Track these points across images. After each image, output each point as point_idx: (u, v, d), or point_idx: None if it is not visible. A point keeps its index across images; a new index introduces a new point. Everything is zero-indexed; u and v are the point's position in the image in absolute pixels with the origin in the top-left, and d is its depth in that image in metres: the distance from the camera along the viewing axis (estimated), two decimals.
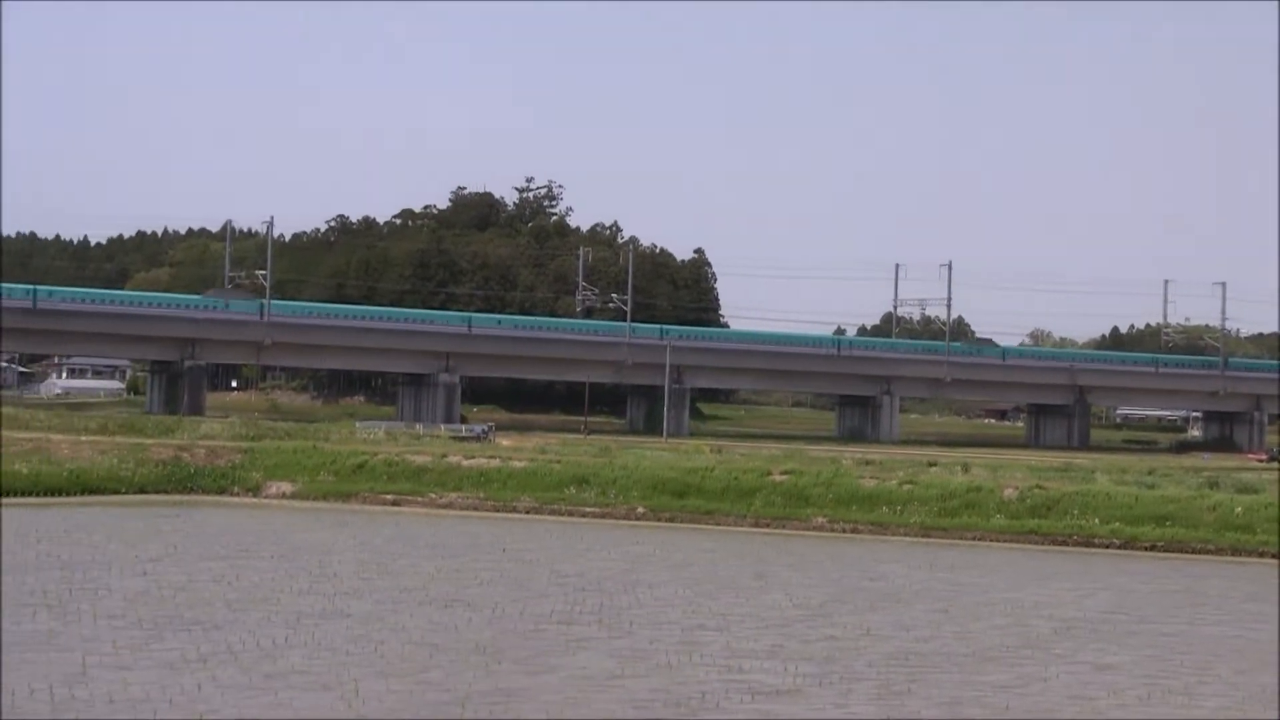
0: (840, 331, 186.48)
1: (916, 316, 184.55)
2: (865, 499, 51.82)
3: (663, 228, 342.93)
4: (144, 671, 21.02)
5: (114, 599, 27.31)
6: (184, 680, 20.33)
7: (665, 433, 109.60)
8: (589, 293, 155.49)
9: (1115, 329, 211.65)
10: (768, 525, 50.67)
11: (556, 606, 29.06)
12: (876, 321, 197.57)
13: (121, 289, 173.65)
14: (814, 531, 49.93)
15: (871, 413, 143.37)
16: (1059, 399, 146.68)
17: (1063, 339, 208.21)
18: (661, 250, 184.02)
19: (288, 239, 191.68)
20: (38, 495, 49.73)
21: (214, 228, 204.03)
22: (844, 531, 49.93)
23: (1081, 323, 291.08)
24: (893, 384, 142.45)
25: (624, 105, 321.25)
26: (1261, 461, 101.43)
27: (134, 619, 25.11)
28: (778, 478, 53.98)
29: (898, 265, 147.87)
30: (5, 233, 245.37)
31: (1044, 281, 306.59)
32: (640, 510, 52.21)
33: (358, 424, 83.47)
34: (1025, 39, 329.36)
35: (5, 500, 48.25)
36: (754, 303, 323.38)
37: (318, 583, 31.01)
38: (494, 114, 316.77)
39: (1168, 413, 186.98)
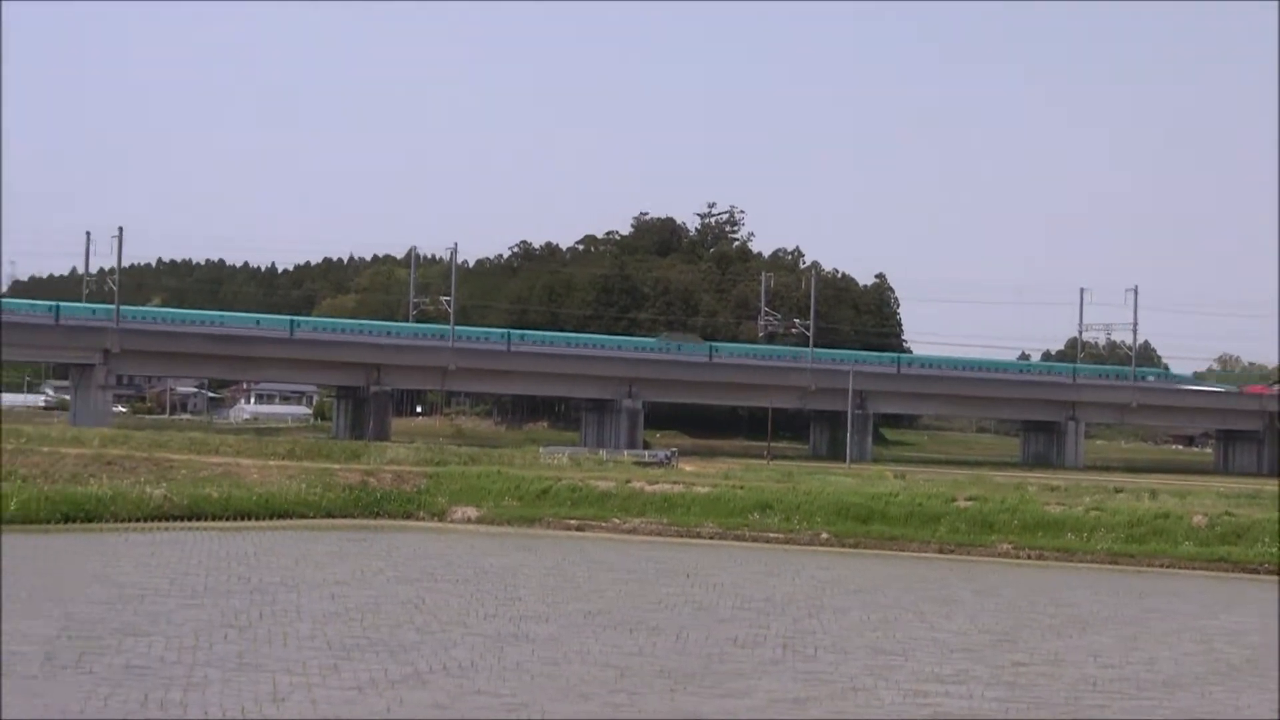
0: (1024, 356, 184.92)
1: (1102, 341, 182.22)
2: (1051, 525, 51.23)
3: (844, 253, 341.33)
4: (334, 692, 21.29)
5: (304, 621, 27.65)
6: (373, 702, 20.55)
7: (848, 458, 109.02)
8: (771, 318, 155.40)
9: None
10: (952, 551, 50.24)
11: (741, 631, 29.04)
12: (1061, 346, 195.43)
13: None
14: (999, 558, 49.43)
15: (1056, 438, 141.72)
16: (1249, 425, 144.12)
17: (1251, 364, 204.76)
18: (843, 275, 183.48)
19: (471, 265, 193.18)
20: (228, 519, 50.45)
21: (399, 254, 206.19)
22: (1029, 558, 49.39)
23: (1269, 347, 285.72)
24: (1078, 409, 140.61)
25: (807, 131, 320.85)
26: None
27: (323, 641, 25.41)
28: (962, 504, 53.52)
29: (1082, 290, 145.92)
30: (197, 260, 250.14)
31: (1229, 307, 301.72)
32: (824, 536, 52.00)
33: (542, 449, 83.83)
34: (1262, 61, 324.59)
35: (200, 524, 49.04)
36: (937, 327, 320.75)
37: (503, 606, 31.20)
38: (676, 140, 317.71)
39: None
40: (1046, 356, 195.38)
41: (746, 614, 31.87)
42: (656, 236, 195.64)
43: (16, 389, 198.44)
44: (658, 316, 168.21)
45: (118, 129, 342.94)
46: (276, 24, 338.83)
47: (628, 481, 57.80)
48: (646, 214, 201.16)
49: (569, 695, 21.77)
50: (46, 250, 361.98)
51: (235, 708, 19.79)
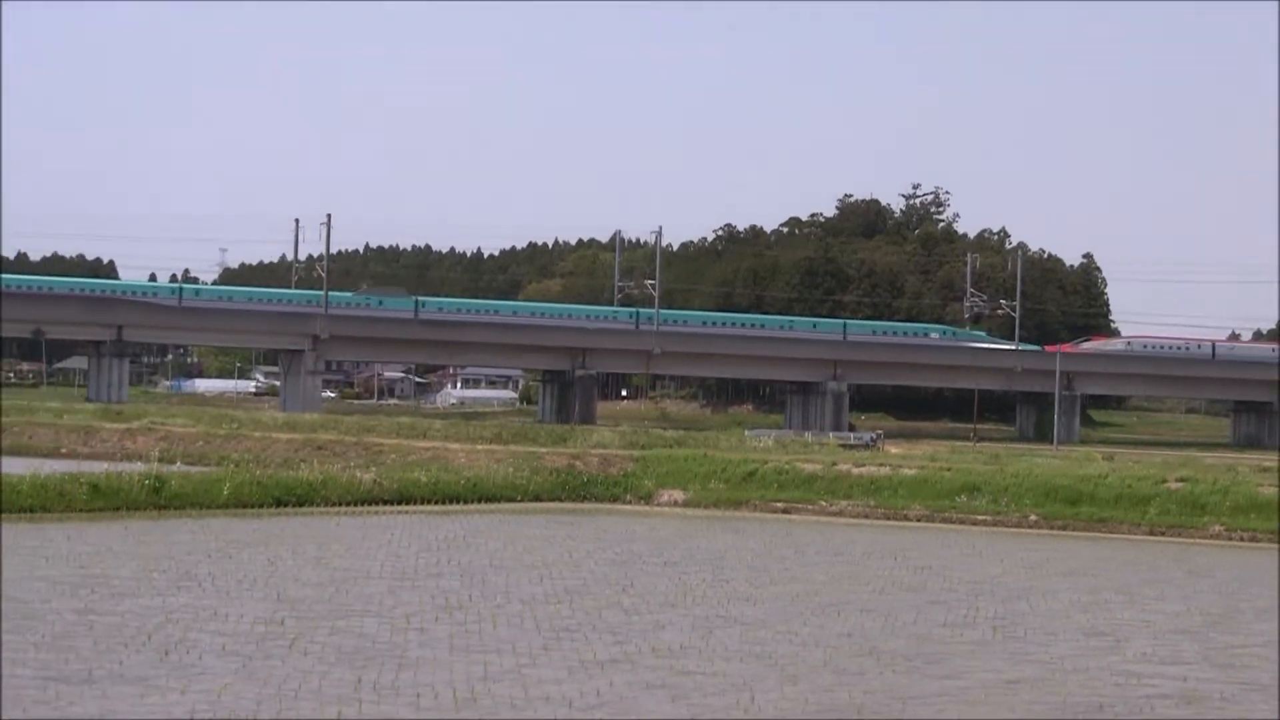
0: (1234, 337, 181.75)
1: None
2: (1264, 507, 50.25)
3: (1051, 232, 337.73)
4: (543, 671, 21.44)
5: (513, 603, 27.86)
6: (583, 684, 20.64)
7: (1055, 440, 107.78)
8: (977, 299, 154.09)
9: None
10: (1162, 533, 49.49)
11: (950, 613, 28.83)
12: (1273, 325, 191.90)
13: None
14: (1211, 540, 48.62)
15: (1268, 419, 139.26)
16: None
17: None
18: (1050, 255, 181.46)
19: (675, 248, 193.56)
20: (437, 503, 50.97)
21: (604, 238, 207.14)
22: (1242, 540, 48.55)
23: None
24: None
25: (1009, 110, 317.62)
26: None
27: (532, 623, 25.58)
28: (1173, 485, 52.70)
29: None
30: (403, 246, 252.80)
31: None
32: (1032, 518, 51.46)
33: (747, 432, 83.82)
34: None
35: (409, 508, 49.61)
36: (1146, 307, 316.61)
37: (712, 588, 31.22)
38: (881, 120, 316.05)
39: None
40: (1258, 336, 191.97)
41: (955, 596, 31.63)
42: (861, 218, 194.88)
43: (228, 375, 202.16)
44: (862, 299, 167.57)
45: (322, 115, 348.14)
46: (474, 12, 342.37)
47: (834, 464, 57.61)
48: (851, 195, 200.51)
49: (778, 677, 21.74)
50: (257, 237, 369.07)
51: (447, 689, 19.97)
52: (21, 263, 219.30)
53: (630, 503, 54.84)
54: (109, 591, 27.39)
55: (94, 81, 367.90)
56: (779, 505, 53.85)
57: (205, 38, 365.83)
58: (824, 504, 53.87)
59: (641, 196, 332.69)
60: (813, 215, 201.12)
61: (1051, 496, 52.62)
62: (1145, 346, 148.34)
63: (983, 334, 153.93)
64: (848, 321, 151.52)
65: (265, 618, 25.05)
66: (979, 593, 32.27)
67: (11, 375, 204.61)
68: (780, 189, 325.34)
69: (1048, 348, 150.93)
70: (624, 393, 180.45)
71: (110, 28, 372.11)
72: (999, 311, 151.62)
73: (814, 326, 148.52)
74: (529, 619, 26.08)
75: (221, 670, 20.62)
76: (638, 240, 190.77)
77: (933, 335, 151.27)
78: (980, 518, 51.69)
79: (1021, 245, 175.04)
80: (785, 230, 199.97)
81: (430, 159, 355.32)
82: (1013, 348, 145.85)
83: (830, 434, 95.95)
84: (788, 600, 29.94)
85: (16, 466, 48.85)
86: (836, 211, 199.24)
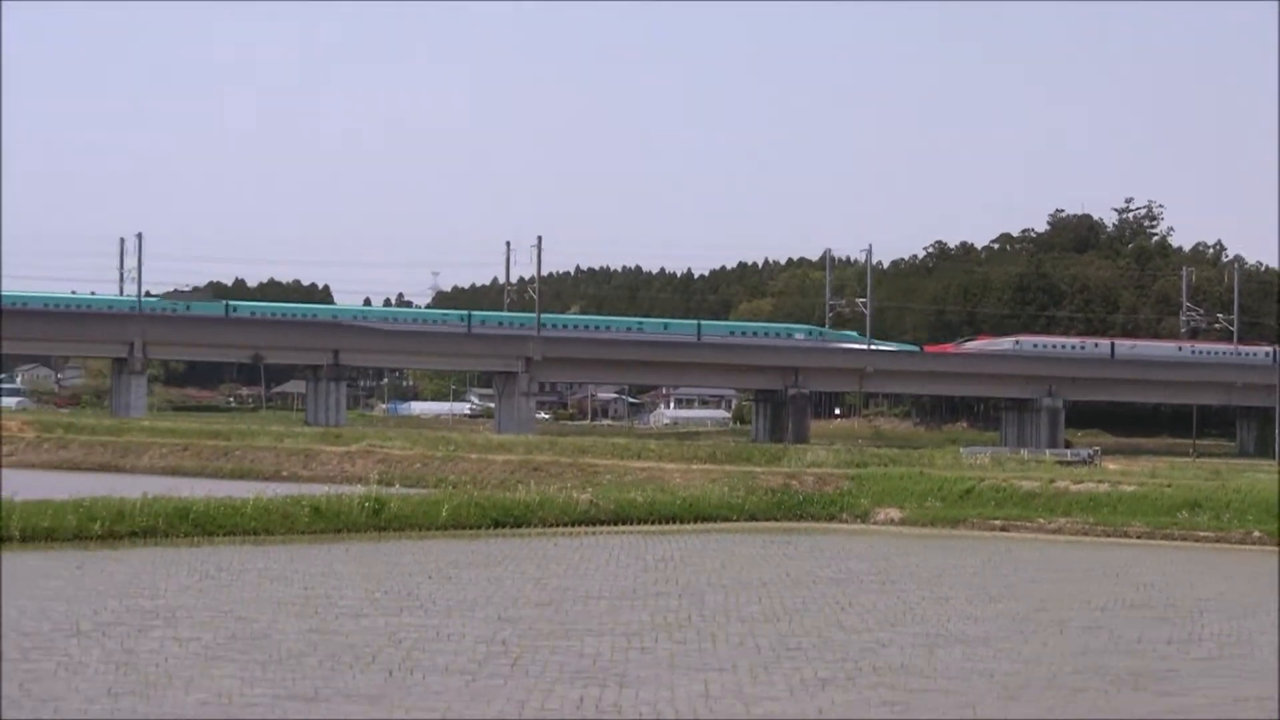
0: None
1: None
2: None
3: (1270, 245, 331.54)
4: (766, 689, 21.43)
5: (732, 623, 27.86)
6: (804, 703, 20.60)
7: (1278, 455, 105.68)
8: (1193, 314, 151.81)
9: None
10: None
11: (1175, 631, 28.38)
12: None
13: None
14: None
15: None
16: None
17: None
18: (1268, 269, 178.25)
19: (886, 266, 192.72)
20: (653, 523, 51.10)
21: (814, 257, 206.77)
22: None
23: None
24: None
25: (1223, 120, 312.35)
26: None
27: (752, 643, 25.56)
28: None
29: None
30: (614, 267, 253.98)
31: None
32: (1256, 534, 50.44)
33: (962, 450, 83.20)
34: None
35: (625, 528, 49.79)
36: None
37: (932, 606, 31.01)
38: (1092, 134, 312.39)
39: None
40: None
41: (1179, 613, 31.13)
42: (1073, 233, 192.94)
43: (443, 397, 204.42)
44: (1075, 314, 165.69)
45: (536, 137, 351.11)
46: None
47: (1051, 481, 56.93)
48: (1062, 211, 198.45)
49: (1000, 695, 21.54)
50: (469, 260, 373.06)
51: (669, 708, 20.03)
52: (239, 289, 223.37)
53: (846, 521, 54.59)
54: (334, 612, 27.82)
55: (305, 107, 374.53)
56: (996, 523, 53.31)
57: (408, 54, 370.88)
58: (1042, 521, 53.23)
59: (852, 215, 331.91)
60: (1024, 231, 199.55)
61: (1274, 513, 51.56)
62: (1035, 346, 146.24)
63: (852, 334, 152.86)
64: (702, 322, 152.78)
65: (487, 637, 25.29)
66: (1204, 609, 31.74)
67: (232, 399, 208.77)
68: (991, 205, 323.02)
69: (926, 348, 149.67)
70: (837, 411, 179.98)
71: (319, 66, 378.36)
72: (1215, 326, 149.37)
73: (665, 328, 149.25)
74: (749, 638, 26.08)
75: (445, 689, 20.85)
76: (848, 258, 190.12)
77: (797, 336, 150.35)
78: (1202, 534, 50.78)
79: (1238, 258, 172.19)
80: (996, 246, 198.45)
81: (638, 181, 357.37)
82: (894, 349, 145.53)
83: (1046, 451, 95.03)
84: (1009, 618, 29.66)
85: (240, 490, 49.78)
86: (1048, 227, 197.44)
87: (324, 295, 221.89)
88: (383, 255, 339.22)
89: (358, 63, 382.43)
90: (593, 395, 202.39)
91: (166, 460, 76.46)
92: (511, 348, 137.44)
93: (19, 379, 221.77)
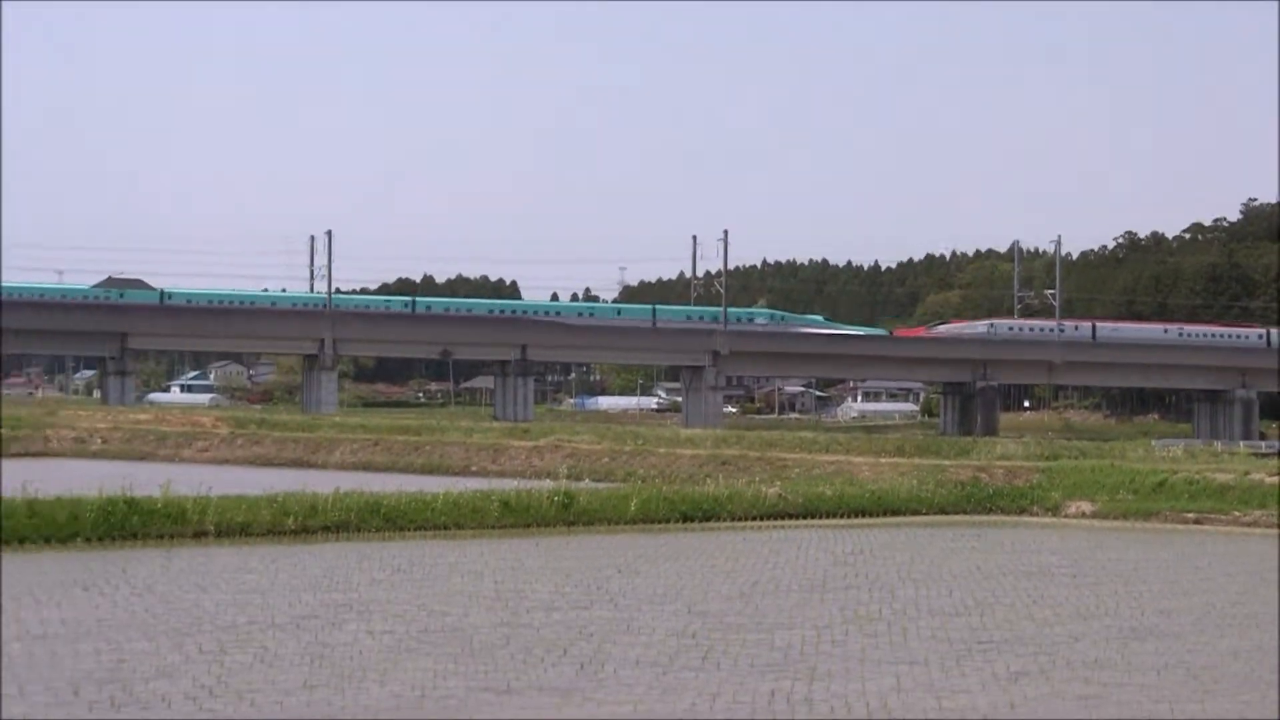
0: None
1: None
2: None
3: None
4: (958, 681, 21.32)
5: (922, 616, 27.71)
6: (996, 697, 20.45)
7: None
8: None
9: None
10: None
11: None
12: None
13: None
14: None
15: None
16: None
17: None
18: None
19: (1075, 257, 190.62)
20: (842, 516, 50.92)
21: (1001, 248, 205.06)
22: None
23: None
24: None
25: None
26: None
27: (944, 636, 25.42)
28: None
29: None
30: (801, 260, 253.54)
31: None
32: None
33: (1154, 442, 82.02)
34: None
35: (814, 522, 49.70)
36: None
37: (1125, 600, 30.63)
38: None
39: None
40: None
41: None
42: (1267, 222, 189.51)
43: (630, 392, 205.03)
44: (1269, 304, 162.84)
45: (713, 136, 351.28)
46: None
47: (1246, 473, 55.94)
48: (1255, 199, 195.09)
49: (1196, 689, 21.26)
50: (656, 255, 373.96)
51: (860, 701, 19.98)
52: (428, 285, 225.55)
53: (1037, 515, 54.03)
54: (524, 605, 28.01)
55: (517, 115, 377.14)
56: (1190, 516, 52.49)
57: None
58: (1237, 514, 52.34)
59: (1040, 205, 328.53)
60: (1216, 220, 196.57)
61: None
62: (1010, 329, 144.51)
63: (819, 318, 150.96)
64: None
65: (677, 630, 25.36)
66: None
67: (421, 395, 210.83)
68: (1182, 194, 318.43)
69: (897, 332, 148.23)
70: (1026, 404, 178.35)
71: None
72: None
73: (617, 313, 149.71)
74: (940, 631, 25.93)
75: (636, 682, 20.93)
76: (1036, 250, 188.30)
77: (758, 321, 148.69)
78: None
79: None
80: (1188, 236, 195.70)
81: (824, 175, 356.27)
82: (861, 333, 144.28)
83: (1240, 443, 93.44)
84: (1204, 612, 29.23)
85: (430, 484, 50.30)
86: (1241, 216, 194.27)
87: (511, 291, 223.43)
88: (570, 251, 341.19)
89: (545, 58, 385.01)
90: (780, 389, 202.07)
91: (357, 456, 77.36)
92: (698, 342, 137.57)
93: (211, 376, 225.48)
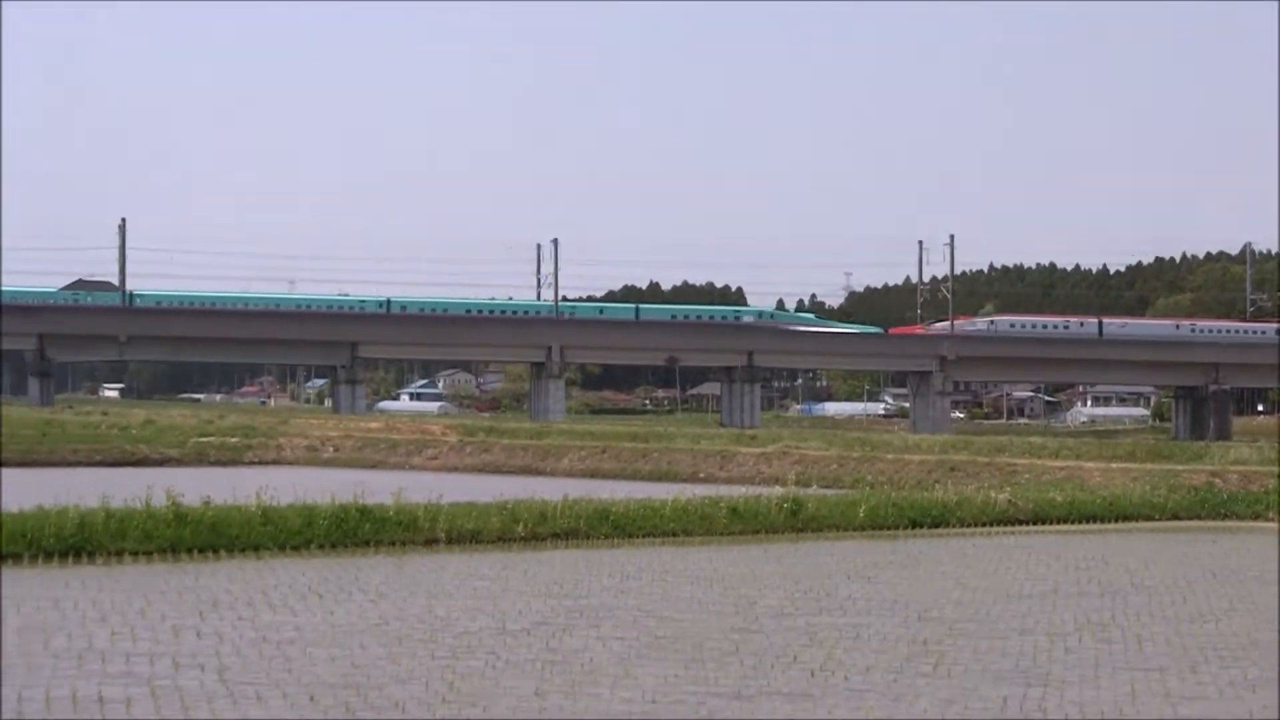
0: None
1: None
2: None
3: None
4: (1193, 688, 21.00)
5: (1156, 623, 27.32)
6: (1233, 706, 20.12)
7: None
8: None
9: None
10: None
11: None
12: None
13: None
14: None
15: None
16: None
17: None
18: None
19: None
20: (1073, 522, 50.30)
21: (1233, 250, 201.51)
22: None
23: None
24: None
25: None
26: None
27: (1179, 643, 25.07)
28: None
29: None
30: (1028, 264, 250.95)
31: None
32: None
33: None
34: None
35: (1044, 528, 49.15)
36: None
37: None
38: None
39: None
40: None
41: None
42: None
43: (857, 398, 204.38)
44: None
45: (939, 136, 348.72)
46: None
47: None
48: None
49: None
50: (882, 260, 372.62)
51: (1094, 708, 19.75)
52: (654, 291, 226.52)
53: (1272, 520, 52.90)
54: (754, 612, 28.01)
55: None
56: None
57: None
58: None
59: (1270, 205, 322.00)
60: None
61: None
62: (1012, 325, 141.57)
63: (809, 316, 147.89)
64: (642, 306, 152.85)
65: (908, 637, 25.23)
66: None
67: (648, 402, 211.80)
68: None
69: (893, 330, 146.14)
70: (1259, 408, 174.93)
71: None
72: None
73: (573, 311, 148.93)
74: (1174, 638, 25.54)
75: (868, 689, 20.85)
76: (1268, 252, 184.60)
77: (745, 318, 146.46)
78: None
79: None
80: None
81: (1050, 177, 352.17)
82: (854, 331, 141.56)
83: None
84: None
85: (658, 491, 50.41)
86: None
87: (736, 297, 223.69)
88: (795, 257, 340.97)
89: (777, 62, 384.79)
90: (1008, 394, 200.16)
91: (586, 463, 77.88)
92: (924, 347, 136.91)
93: (440, 384, 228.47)
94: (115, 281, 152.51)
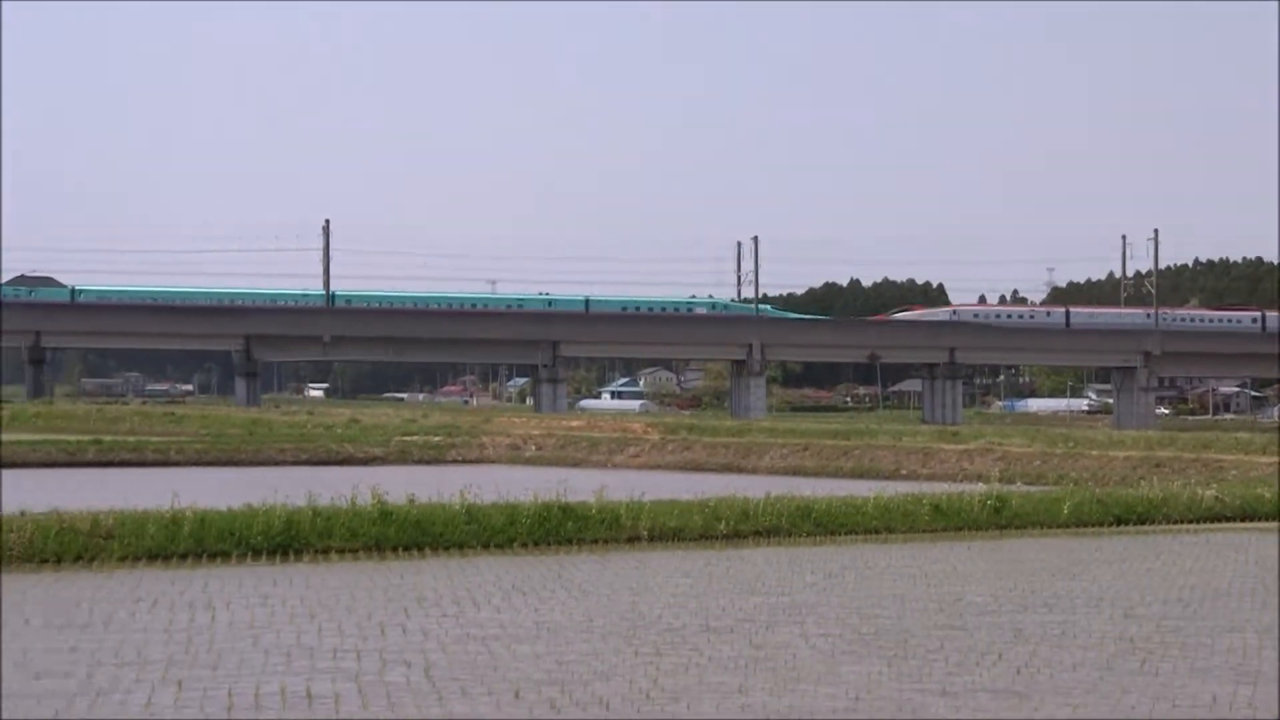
0: None
1: None
2: None
3: None
4: None
5: None
6: None
7: None
8: None
9: None
10: None
11: None
12: None
13: None
14: None
15: None
16: None
17: None
18: None
19: None
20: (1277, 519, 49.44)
21: None
22: None
23: None
24: None
25: None
26: None
27: None
28: None
29: None
30: (1233, 258, 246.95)
31: None
32: None
33: None
34: None
35: (1251, 525, 48.30)
36: None
37: None
38: None
39: None
40: None
41: None
42: None
43: (1059, 394, 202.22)
44: None
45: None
46: None
47: None
48: None
49: None
50: (1085, 255, 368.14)
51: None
52: (853, 289, 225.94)
53: None
54: (958, 609, 27.83)
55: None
56: None
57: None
58: None
59: None
60: None
61: None
62: (975, 316, 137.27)
63: (768, 308, 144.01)
64: (590, 298, 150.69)
65: (1115, 634, 24.94)
66: None
67: (849, 399, 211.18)
68: None
69: (873, 318, 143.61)
70: None
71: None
72: None
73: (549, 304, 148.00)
74: None
75: (1074, 686, 20.66)
76: None
77: (698, 310, 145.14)
78: None
79: None
80: None
81: (1251, 169, 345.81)
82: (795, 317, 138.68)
83: None
84: None
85: (860, 488, 50.26)
86: None
87: (938, 294, 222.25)
88: (997, 252, 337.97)
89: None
90: (1214, 389, 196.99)
91: (787, 460, 77.76)
92: (1130, 342, 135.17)
93: (641, 382, 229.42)
94: (60, 279, 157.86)
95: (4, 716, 18.77)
